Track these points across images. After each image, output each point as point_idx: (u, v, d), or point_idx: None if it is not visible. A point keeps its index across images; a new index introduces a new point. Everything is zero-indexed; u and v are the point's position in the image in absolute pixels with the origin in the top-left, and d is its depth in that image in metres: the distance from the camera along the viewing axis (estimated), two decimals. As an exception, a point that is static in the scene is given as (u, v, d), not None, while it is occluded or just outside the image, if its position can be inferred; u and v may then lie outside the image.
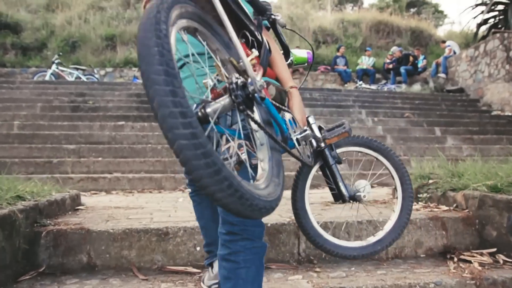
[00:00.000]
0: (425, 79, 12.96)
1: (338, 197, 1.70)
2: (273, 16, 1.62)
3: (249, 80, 1.11)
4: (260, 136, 1.26)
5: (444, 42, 13.36)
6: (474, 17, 13.14)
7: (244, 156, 1.14)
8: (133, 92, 9.13)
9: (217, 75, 1.19)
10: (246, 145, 1.18)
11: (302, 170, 1.72)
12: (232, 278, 1.30)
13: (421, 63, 13.89)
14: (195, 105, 1.10)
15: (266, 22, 1.62)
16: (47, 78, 11.20)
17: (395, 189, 1.83)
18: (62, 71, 11.73)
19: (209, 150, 0.85)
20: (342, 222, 2.29)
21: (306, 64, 2.02)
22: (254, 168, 1.22)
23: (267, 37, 1.53)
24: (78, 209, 2.89)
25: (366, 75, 14.39)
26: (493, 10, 12.89)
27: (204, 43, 1.16)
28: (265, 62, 1.41)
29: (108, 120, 7.37)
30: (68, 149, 6.02)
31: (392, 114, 9.12)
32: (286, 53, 1.76)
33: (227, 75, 1.17)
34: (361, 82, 12.70)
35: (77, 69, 11.92)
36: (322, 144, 1.68)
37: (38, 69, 12.74)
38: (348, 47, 16.42)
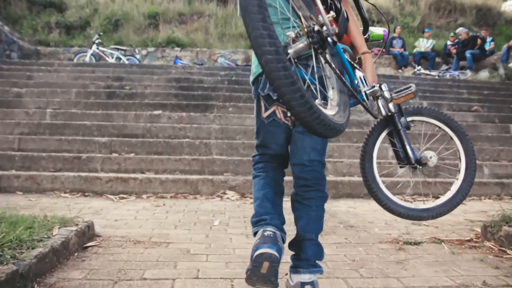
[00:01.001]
0: (493, 64, 11.56)
1: (403, 158, 1.85)
2: None
3: (324, 27, 1.36)
4: (331, 81, 1.56)
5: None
6: None
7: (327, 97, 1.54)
8: (172, 76, 8.59)
9: (300, 30, 1.43)
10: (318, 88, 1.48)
11: (373, 133, 1.92)
12: (304, 217, 1.71)
13: (488, 45, 12.41)
14: None
15: None
16: (87, 59, 10.90)
17: (459, 159, 1.98)
18: (103, 52, 11.38)
19: (288, 65, 1.15)
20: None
21: (381, 40, 2.12)
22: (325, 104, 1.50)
23: (347, 8, 1.74)
24: (87, 247, 2.34)
25: (424, 58, 13.11)
26: None
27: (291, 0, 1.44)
28: (342, 28, 1.62)
29: (144, 109, 6.88)
30: (100, 142, 5.56)
31: (457, 107, 8.05)
32: (365, 26, 1.93)
33: (305, 26, 1.39)
34: (419, 67, 11.52)
35: (117, 49, 11.55)
36: (391, 106, 1.83)
37: (80, 49, 12.49)
38: (405, 27, 15.05)
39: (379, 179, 1.89)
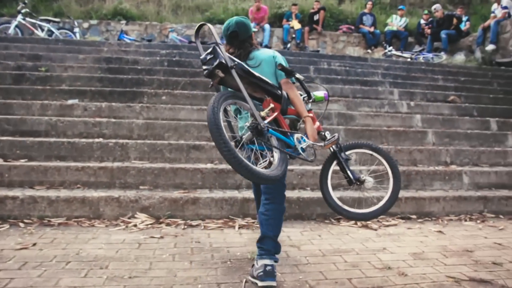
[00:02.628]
0: (469, 47, 10.64)
1: (350, 182, 2.68)
2: (296, 76, 2.60)
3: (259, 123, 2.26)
4: (275, 148, 2.40)
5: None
6: None
7: (265, 160, 2.42)
8: (103, 55, 7.22)
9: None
10: (266, 154, 2.41)
11: (326, 165, 2.74)
12: (264, 225, 2.52)
13: (463, 26, 11.47)
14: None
15: (293, 79, 2.64)
16: (10, 31, 9.29)
17: (389, 175, 2.68)
18: (32, 24, 9.78)
19: (233, 153, 2.06)
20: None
21: (323, 100, 2.89)
22: (271, 164, 2.37)
23: (288, 89, 2.58)
24: None
25: (396, 38, 12.08)
26: None
27: (241, 107, 2.52)
28: (285, 106, 2.51)
29: (56, 97, 5.55)
30: (-20, 144, 4.26)
31: (432, 96, 7.07)
32: (309, 94, 2.77)
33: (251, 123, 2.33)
34: (390, 48, 10.50)
35: (49, 21, 9.95)
36: (334, 146, 2.66)
37: (9, 19, 10.78)
38: (377, 3, 13.93)
39: (333, 195, 2.70)
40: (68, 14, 11.62)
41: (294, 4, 12.16)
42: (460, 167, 4.97)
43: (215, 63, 2.26)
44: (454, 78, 8.07)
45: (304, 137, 2.51)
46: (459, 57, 9.75)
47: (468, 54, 10.08)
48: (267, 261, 2.39)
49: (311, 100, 2.77)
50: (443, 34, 10.35)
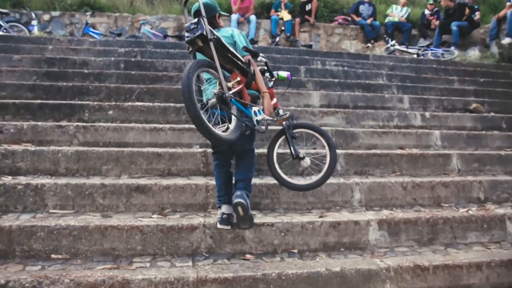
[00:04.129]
0: (483, 41, 9.35)
1: (292, 156, 3.12)
2: (260, 58, 3.10)
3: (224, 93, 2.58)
4: (233, 116, 2.73)
5: (511, -13, 9.48)
6: None
7: (224, 125, 2.72)
8: (46, 55, 5.85)
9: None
10: (224, 118, 2.73)
11: (274, 138, 3.18)
12: (237, 173, 3.01)
13: (474, 16, 10.16)
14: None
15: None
16: None
17: (324, 146, 3.11)
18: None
19: (198, 115, 2.37)
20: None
21: (286, 80, 3.32)
22: (228, 129, 2.71)
23: (254, 66, 2.97)
24: None
25: (398, 30, 10.78)
26: None
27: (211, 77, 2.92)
28: (250, 80, 2.89)
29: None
30: None
31: (449, 103, 5.80)
32: (271, 74, 3.23)
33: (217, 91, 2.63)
34: (393, 42, 9.19)
35: (-4, 13, 8.52)
36: (284, 123, 3.07)
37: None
38: (375, -9, 12.59)
39: (277, 166, 3.12)
40: (26, 4, 10.19)
41: (284, -8, 10.80)
42: (500, 207, 3.72)
43: (197, 33, 2.52)
44: (472, 79, 6.81)
45: (261, 111, 2.89)
46: (473, 53, 8.48)
47: (483, 49, 8.80)
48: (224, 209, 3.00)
49: (274, 79, 3.25)
50: (454, 26, 9.04)
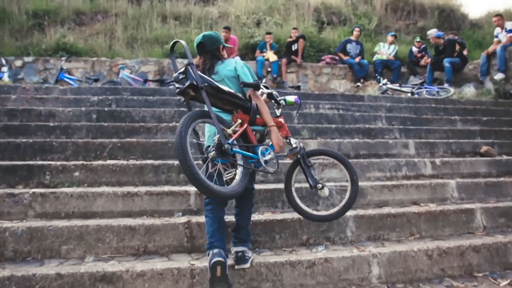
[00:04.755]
0: (475, 77, 9.08)
1: (310, 186, 2.88)
2: (262, 90, 2.86)
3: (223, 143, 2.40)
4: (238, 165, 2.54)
5: (499, 16, 9.30)
6: None
7: (229, 176, 2.55)
8: (6, 107, 5.19)
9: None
10: (228, 167, 2.56)
11: (290, 170, 2.97)
12: (239, 215, 2.89)
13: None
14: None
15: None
16: None
17: (347, 181, 2.90)
18: None
19: (195, 174, 2.19)
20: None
21: (295, 104, 3.09)
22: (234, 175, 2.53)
23: (257, 100, 2.75)
24: None
25: (387, 68, 10.50)
26: None
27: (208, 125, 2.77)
28: (254, 117, 2.69)
29: None
30: None
31: (458, 147, 5.30)
32: (278, 103, 3.01)
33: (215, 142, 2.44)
34: (385, 80, 8.82)
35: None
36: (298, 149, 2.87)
37: None
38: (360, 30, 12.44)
39: (297, 198, 2.96)
40: (2, 50, 9.63)
41: (268, 33, 10.47)
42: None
43: (187, 84, 2.39)
44: (474, 118, 6.37)
45: (269, 148, 2.73)
46: (469, 90, 8.13)
47: (478, 85, 8.48)
48: (241, 248, 2.80)
49: (281, 106, 3.04)
50: (446, 63, 8.75)
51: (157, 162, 3.92)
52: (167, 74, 9.61)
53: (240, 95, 2.69)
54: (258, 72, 10.15)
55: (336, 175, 4.12)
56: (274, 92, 3.01)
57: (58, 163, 3.80)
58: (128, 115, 5.08)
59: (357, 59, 10.40)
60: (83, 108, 5.12)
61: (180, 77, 2.44)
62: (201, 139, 2.65)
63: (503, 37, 9.17)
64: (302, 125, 5.28)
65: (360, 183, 4.03)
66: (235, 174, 2.50)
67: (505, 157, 5.20)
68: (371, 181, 4.37)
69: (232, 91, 2.63)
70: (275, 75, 10.13)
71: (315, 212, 2.93)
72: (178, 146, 2.20)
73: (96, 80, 8.85)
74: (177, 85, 2.46)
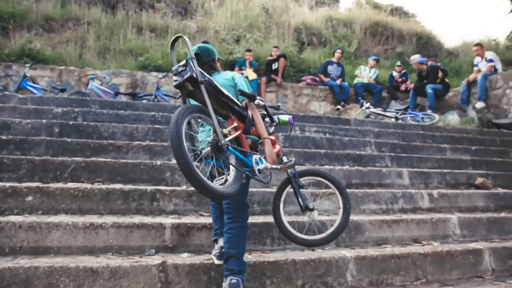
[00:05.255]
0: (457, 104, 8.98)
1: (301, 208, 2.74)
2: (257, 101, 2.71)
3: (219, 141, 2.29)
4: (232, 166, 2.41)
5: (479, 46, 9.31)
6: None
7: (222, 178, 2.37)
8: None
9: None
10: (222, 169, 2.45)
11: (280, 189, 2.86)
12: (227, 242, 2.52)
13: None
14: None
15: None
16: None
17: (339, 208, 2.75)
18: None
19: (190, 167, 2.07)
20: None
21: (288, 124, 3.03)
22: (227, 181, 2.34)
23: (252, 110, 2.67)
24: None
25: (367, 92, 10.32)
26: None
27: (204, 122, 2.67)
28: (248, 126, 2.59)
29: None
30: None
31: (452, 178, 4.99)
32: (271, 118, 2.91)
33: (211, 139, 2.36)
34: (368, 104, 8.56)
35: None
36: (289, 171, 2.74)
37: None
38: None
39: (284, 219, 2.78)
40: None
41: (248, 50, 10.12)
42: None
43: (186, 76, 2.29)
44: (464, 147, 6.14)
45: (262, 159, 2.61)
46: (452, 117, 7.98)
47: (461, 113, 8.36)
48: (233, 278, 2.45)
49: (274, 124, 2.94)
50: (429, 89, 8.62)
51: (127, 187, 3.38)
52: (140, 88, 9.06)
53: (237, 101, 2.60)
54: (237, 90, 9.75)
55: (329, 207, 3.67)
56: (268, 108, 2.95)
57: (8, 184, 3.19)
58: (96, 131, 4.50)
59: (338, 81, 10.17)
60: (44, 121, 4.50)
61: (180, 69, 2.33)
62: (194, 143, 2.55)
63: (483, 66, 9.19)
64: (288, 149, 4.85)
65: (356, 217, 3.65)
66: (226, 180, 2.36)
67: (500, 189, 4.93)
68: (366, 214, 3.96)
69: (230, 95, 2.54)
70: (254, 94, 9.75)
71: (302, 236, 2.75)
72: (173, 132, 2.09)
73: (62, 90, 8.18)
74: (175, 78, 2.35)
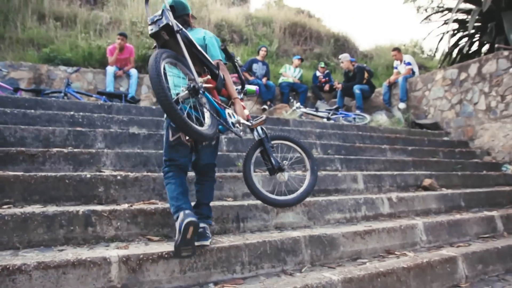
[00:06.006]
0: (383, 105, 9.19)
1: (272, 171, 2.85)
2: (236, 60, 2.92)
3: (196, 84, 2.35)
4: (206, 113, 2.52)
5: (396, 50, 9.68)
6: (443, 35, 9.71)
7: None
8: None
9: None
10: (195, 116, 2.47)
11: (250, 151, 2.84)
12: (200, 192, 2.74)
13: (363, 81, 10.11)
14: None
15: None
16: None
17: (307, 169, 2.95)
18: None
19: (173, 105, 2.13)
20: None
21: (255, 94, 3.20)
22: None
23: (224, 72, 2.70)
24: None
25: (293, 91, 10.18)
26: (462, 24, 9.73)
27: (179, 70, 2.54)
28: (220, 85, 2.63)
29: None
30: None
31: (402, 180, 4.88)
32: (243, 85, 2.99)
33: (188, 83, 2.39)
34: (298, 104, 8.35)
35: None
36: (260, 131, 2.84)
37: None
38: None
39: (255, 180, 2.81)
40: None
41: (170, 45, 9.37)
42: None
43: (162, 25, 2.31)
44: (401, 147, 6.15)
45: (234, 114, 2.68)
46: (381, 118, 8.10)
47: (388, 113, 8.53)
48: (202, 224, 2.56)
49: (243, 91, 3.00)
50: (357, 89, 8.68)
51: (51, 210, 2.57)
52: (46, 84, 7.83)
53: (209, 58, 2.63)
54: (158, 88, 8.93)
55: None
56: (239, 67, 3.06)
57: None
58: (-3, 135, 3.53)
59: (264, 80, 9.87)
60: None
61: (156, 18, 2.36)
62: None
63: (402, 68, 9.54)
64: (236, 153, 4.32)
65: (326, 230, 3.27)
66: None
67: (444, 190, 4.94)
68: (331, 224, 3.60)
69: (203, 51, 2.59)
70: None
71: (273, 196, 2.83)
72: (152, 69, 2.13)
73: None
74: (150, 27, 2.38)
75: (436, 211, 4.40)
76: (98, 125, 4.34)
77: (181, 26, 2.39)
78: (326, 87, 10.54)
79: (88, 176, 3.03)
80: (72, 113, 4.38)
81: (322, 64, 10.87)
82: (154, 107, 5.52)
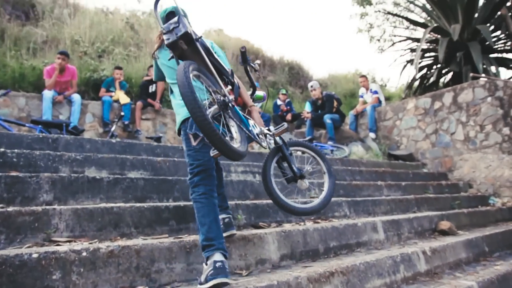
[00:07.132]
0: (355, 135, 8.64)
1: (291, 179, 2.58)
2: (253, 64, 2.61)
3: (226, 98, 2.16)
4: (234, 128, 2.25)
5: (364, 77, 9.33)
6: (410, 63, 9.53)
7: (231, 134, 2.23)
8: None
9: (211, 100, 2.18)
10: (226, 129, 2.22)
11: (269, 158, 2.55)
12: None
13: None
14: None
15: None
16: None
17: (324, 173, 2.75)
18: None
19: (209, 120, 1.87)
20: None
21: (263, 100, 2.89)
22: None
23: (236, 78, 2.51)
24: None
25: (255, 121, 9.37)
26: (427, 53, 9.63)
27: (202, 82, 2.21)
28: (236, 94, 2.46)
29: None
30: None
31: (418, 224, 4.15)
32: (253, 90, 2.77)
33: (214, 98, 2.14)
34: (267, 135, 7.54)
35: None
36: (277, 139, 2.54)
37: None
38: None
39: (276, 188, 2.48)
40: None
41: (118, 68, 8.23)
42: None
43: (180, 34, 2.09)
44: (395, 183, 5.50)
45: (256, 124, 2.54)
46: (357, 149, 7.49)
47: (363, 144, 7.96)
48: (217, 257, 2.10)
49: (253, 96, 2.84)
50: (327, 119, 8.06)
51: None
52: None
53: (225, 66, 2.47)
54: (104, 117, 7.72)
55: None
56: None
57: None
58: None
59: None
60: None
61: (172, 26, 2.11)
62: None
63: (368, 97, 9.17)
64: (234, 202, 3.35)
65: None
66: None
67: (461, 232, 4.30)
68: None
69: (220, 60, 2.41)
70: (126, 122, 7.87)
71: (296, 205, 2.54)
72: (184, 84, 1.89)
73: None
74: (166, 36, 2.13)
75: (466, 260, 3.70)
76: (42, 167, 3.18)
77: (199, 34, 2.21)
78: (288, 116, 9.91)
79: (35, 256, 1.91)
80: (2, 149, 3.17)
81: (284, 91, 10.25)
82: (114, 140, 4.37)
